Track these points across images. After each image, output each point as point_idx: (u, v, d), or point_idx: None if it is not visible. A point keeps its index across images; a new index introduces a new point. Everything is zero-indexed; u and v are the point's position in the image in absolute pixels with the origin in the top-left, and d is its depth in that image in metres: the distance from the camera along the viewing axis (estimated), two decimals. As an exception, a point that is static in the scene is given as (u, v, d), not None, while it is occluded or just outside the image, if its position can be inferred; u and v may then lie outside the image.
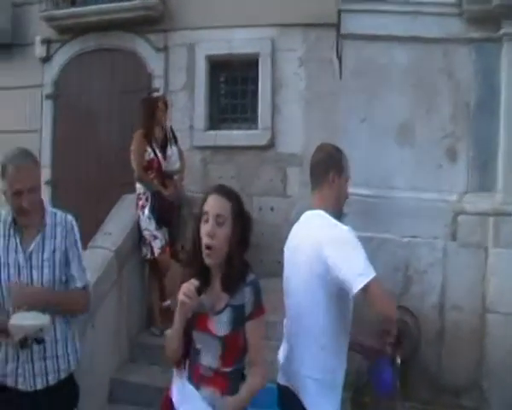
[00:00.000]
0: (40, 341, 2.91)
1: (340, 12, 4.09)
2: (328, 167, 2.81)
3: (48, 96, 7.77)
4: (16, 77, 7.72)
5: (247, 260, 2.56)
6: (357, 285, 2.49)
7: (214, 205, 2.47)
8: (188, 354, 2.59)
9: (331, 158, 2.86)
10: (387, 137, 3.92)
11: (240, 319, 2.49)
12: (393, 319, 2.67)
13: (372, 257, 3.63)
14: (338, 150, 2.93)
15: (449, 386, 3.67)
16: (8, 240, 3.00)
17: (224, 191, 2.54)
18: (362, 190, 3.82)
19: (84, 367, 3.49)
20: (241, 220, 2.51)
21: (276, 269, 6.49)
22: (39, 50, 7.74)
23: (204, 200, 2.52)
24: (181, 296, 2.41)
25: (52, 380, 3.03)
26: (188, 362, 2.60)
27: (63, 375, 3.09)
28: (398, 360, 3.50)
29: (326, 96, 6.67)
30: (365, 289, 2.49)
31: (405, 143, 3.90)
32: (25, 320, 2.80)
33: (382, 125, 3.94)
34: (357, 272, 2.52)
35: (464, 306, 3.67)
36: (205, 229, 2.45)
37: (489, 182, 3.78)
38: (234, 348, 2.50)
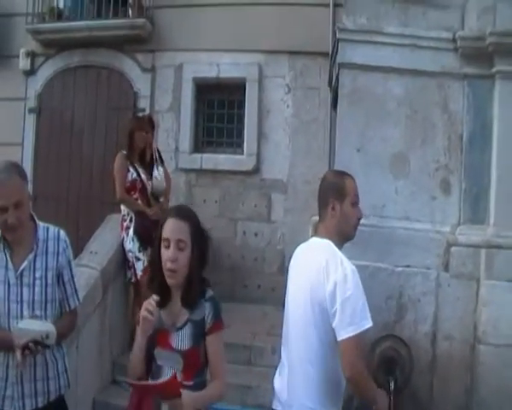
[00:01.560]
0: (46, 346, 2.84)
1: (338, 41, 4.13)
2: (328, 196, 2.81)
3: (31, 110, 7.71)
4: (-1, 89, 7.63)
5: (205, 277, 2.66)
6: (342, 335, 2.54)
7: (174, 230, 2.58)
8: (149, 372, 2.64)
9: (330, 185, 2.86)
10: (382, 167, 3.96)
11: (200, 333, 2.59)
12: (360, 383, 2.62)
13: (366, 286, 3.68)
14: (339, 175, 2.93)
15: (440, 415, 3.68)
16: None
17: (183, 214, 2.65)
18: (356, 219, 3.85)
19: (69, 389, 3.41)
20: (200, 241, 2.63)
21: (259, 294, 6.55)
22: (23, 63, 7.68)
23: (163, 222, 2.62)
24: (143, 312, 2.51)
25: (41, 402, 2.96)
26: (150, 380, 2.62)
27: (52, 397, 3.01)
28: (391, 389, 3.52)
29: (312, 124, 6.77)
30: (345, 340, 2.53)
31: (399, 173, 3.94)
32: (31, 326, 2.77)
33: (377, 155, 3.97)
34: (347, 320, 2.54)
35: (456, 336, 3.69)
36: (167, 255, 2.56)
37: (481, 214, 3.84)
38: (194, 362, 2.59)
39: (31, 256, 2.94)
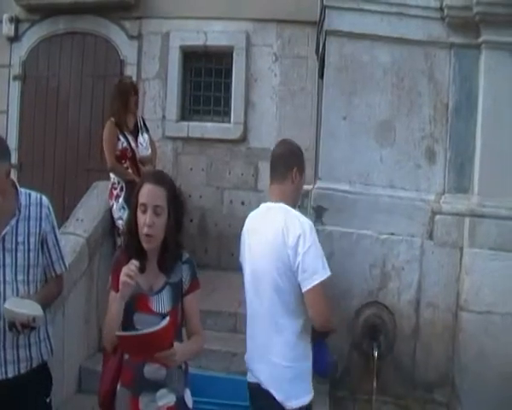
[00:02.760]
0: (31, 328, 2.86)
1: (325, 8, 4.10)
2: (293, 164, 2.89)
3: (15, 77, 7.58)
4: (-18, 55, 7.52)
5: (181, 241, 2.69)
6: (307, 285, 2.65)
7: (151, 195, 2.59)
8: None
9: (295, 155, 2.95)
10: (367, 134, 3.96)
11: (178, 295, 2.64)
12: (328, 327, 2.79)
13: (350, 252, 3.74)
14: (300, 149, 3.02)
15: (422, 381, 3.74)
16: None
17: (159, 179, 2.66)
18: (342, 186, 3.88)
19: (55, 356, 3.43)
20: (176, 206, 2.65)
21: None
22: (7, 29, 7.52)
23: (139, 188, 2.62)
24: (123, 277, 2.50)
25: (23, 369, 2.96)
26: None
27: (35, 363, 3.02)
28: (375, 355, 3.58)
29: (300, 93, 6.74)
30: (310, 290, 2.64)
31: (385, 141, 3.95)
32: (19, 307, 2.76)
33: (363, 123, 3.97)
34: (310, 271, 2.65)
35: (439, 303, 3.74)
36: (143, 219, 2.57)
37: (466, 183, 3.87)
38: (174, 324, 2.59)
39: (13, 221, 2.93)
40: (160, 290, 2.63)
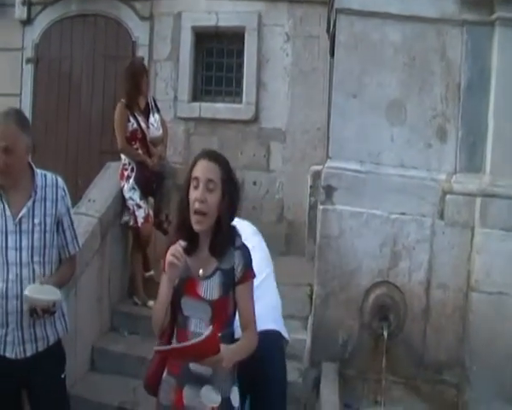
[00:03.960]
0: (52, 313, 2.92)
1: (335, -14, 4.05)
2: None
3: (28, 60, 7.62)
4: (-4, 39, 7.55)
5: (233, 225, 2.56)
6: None
7: (204, 170, 2.46)
8: (173, 323, 2.58)
9: None
10: (378, 113, 3.90)
11: (229, 283, 2.51)
12: None
13: (360, 232, 3.73)
14: None
15: (432, 362, 3.71)
16: None
17: (214, 156, 2.55)
18: (352, 166, 3.84)
19: (67, 335, 3.48)
20: (230, 186, 2.52)
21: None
22: (20, 12, 7.57)
23: (193, 165, 2.51)
24: (169, 258, 2.41)
25: (41, 347, 3.03)
26: (175, 331, 2.59)
27: (51, 341, 3.08)
28: (385, 335, 3.57)
29: (311, 73, 6.70)
30: None
31: (396, 120, 3.89)
32: (39, 294, 2.82)
33: (373, 102, 3.91)
34: None
35: (450, 284, 3.69)
36: (195, 195, 2.44)
37: (477, 163, 3.80)
38: (223, 313, 2.51)
39: (29, 203, 2.97)
40: (210, 276, 2.51)
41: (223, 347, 2.36)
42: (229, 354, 2.41)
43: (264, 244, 3.31)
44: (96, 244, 4.73)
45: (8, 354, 2.95)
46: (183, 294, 2.52)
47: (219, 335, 2.39)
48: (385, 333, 3.58)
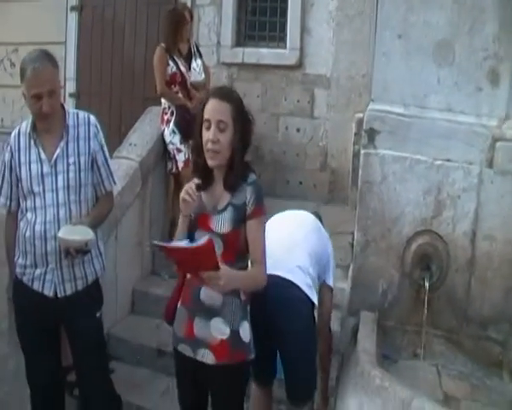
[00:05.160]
0: (85, 252, 2.97)
1: None
2: None
3: (72, 8, 7.62)
4: (41, -12, 7.54)
5: (247, 161, 2.65)
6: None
7: (215, 111, 2.52)
8: None
9: None
10: (425, 54, 3.69)
11: (240, 218, 2.58)
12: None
13: (403, 178, 3.59)
14: None
15: (476, 317, 3.55)
16: (29, 152, 2.97)
17: (224, 94, 2.59)
18: (396, 109, 3.67)
19: (108, 278, 3.54)
20: (242, 122, 2.57)
21: (300, 190, 6.50)
22: (63, -39, 7.51)
23: (204, 104, 2.56)
24: (183, 195, 2.52)
25: (80, 286, 3.10)
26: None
27: (90, 280, 3.14)
28: (426, 285, 3.46)
29: (357, 17, 6.44)
30: None
31: (443, 61, 3.68)
32: (71, 235, 2.87)
33: (419, 42, 3.70)
34: None
35: (497, 235, 3.49)
36: (207, 136, 2.51)
37: (533, 108, 3.59)
38: (234, 246, 2.57)
39: (62, 143, 2.99)
40: (223, 210, 2.59)
41: (223, 266, 2.39)
42: (229, 275, 2.43)
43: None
44: (136, 188, 4.74)
45: (46, 292, 3.01)
46: (197, 227, 2.60)
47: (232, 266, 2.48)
48: (426, 284, 3.47)
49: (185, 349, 2.67)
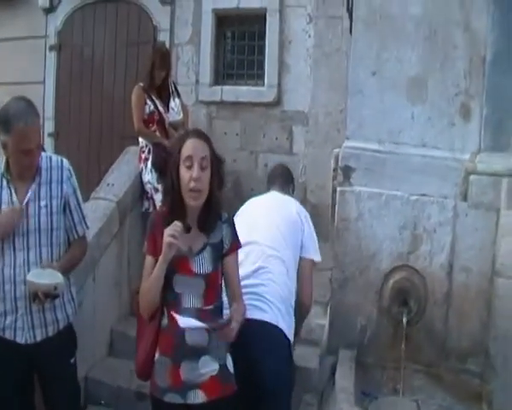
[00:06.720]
0: (54, 297, 2.91)
1: (353, -40, 3.91)
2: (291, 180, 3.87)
3: (51, 48, 7.66)
4: (19, 27, 7.64)
5: (221, 199, 2.67)
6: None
7: (197, 148, 2.53)
8: (162, 302, 2.59)
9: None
10: (398, 91, 3.76)
11: (218, 256, 2.61)
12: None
13: (379, 214, 3.60)
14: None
15: (455, 349, 3.56)
16: (1, 193, 2.94)
17: (201, 134, 2.64)
18: (371, 145, 3.72)
19: (86, 320, 3.48)
20: (217, 161, 2.61)
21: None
22: (42, 0, 7.57)
23: (181, 144, 2.56)
24: (168, 239, 2.43)
25: (51, 331, 3.02)
26: (165, 310, 2.60)
27: (62, 325, 3.07)
28: (405, 320, 3.45)
29: (334, 54, 6.53)
30: None
31: (417, 98, 3.74)
32: (40, 278, 2.81)
33: (393, 79, 3.77)
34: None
35: (473, 268, 3.53)
36: (189, 175, 2.49)
37: (503, 141, 3.62)
38: (215, 285, 2.58)
39: (34, 186, 2.95)
40: (201, 251, 2.57)
41: (233, 323, 2.47)
42: (238, 325, 2.51)
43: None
44: (114, 229, 4.69)
45: (18, 340, 2.94)
46: (176, 272, 2.55)
47: (211, 307, 2.56)
48: (404, 319, 3.46)
49: (174, 398, 2.58)
